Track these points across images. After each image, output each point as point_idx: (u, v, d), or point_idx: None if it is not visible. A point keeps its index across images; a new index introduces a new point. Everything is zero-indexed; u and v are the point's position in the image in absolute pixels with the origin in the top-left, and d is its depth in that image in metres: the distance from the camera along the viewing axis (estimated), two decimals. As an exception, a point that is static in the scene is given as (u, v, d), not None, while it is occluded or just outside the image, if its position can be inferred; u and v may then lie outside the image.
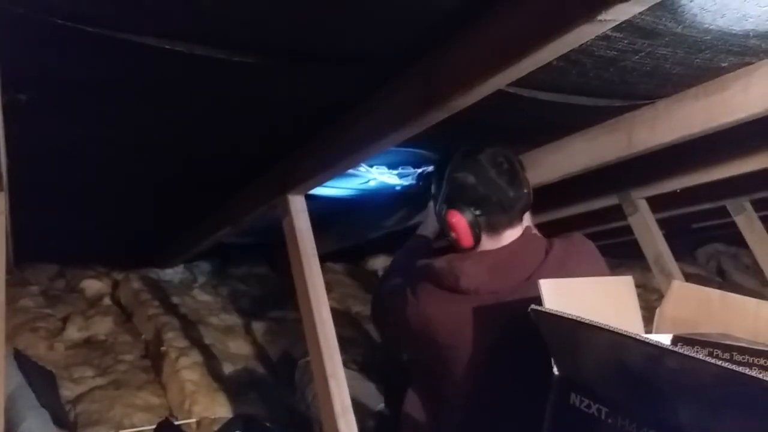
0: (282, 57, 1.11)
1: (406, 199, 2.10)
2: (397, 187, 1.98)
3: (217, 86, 1.24)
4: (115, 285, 3.01)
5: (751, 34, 1.09)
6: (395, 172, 1.88)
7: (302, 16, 0.98)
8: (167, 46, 1.00)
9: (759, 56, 1.21)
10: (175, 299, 2.90)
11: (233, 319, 2.89)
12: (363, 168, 1.78)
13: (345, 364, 1.63)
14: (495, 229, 1.34)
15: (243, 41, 1.05)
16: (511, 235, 1.35)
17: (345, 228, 2.65)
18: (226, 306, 3.01)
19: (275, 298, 3.04)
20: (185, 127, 1.48)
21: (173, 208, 2.27)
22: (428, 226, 1.61)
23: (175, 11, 0.94)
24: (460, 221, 1.32)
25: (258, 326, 2.80)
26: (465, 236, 1.33)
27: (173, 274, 3.16)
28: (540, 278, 1.22)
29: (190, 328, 2.67)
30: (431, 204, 1.59)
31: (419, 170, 1.89)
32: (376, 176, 1.85)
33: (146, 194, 2.06)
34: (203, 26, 1.00)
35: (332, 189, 2.01)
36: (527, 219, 1.41)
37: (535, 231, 1.42)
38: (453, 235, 1.34)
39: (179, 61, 1.05)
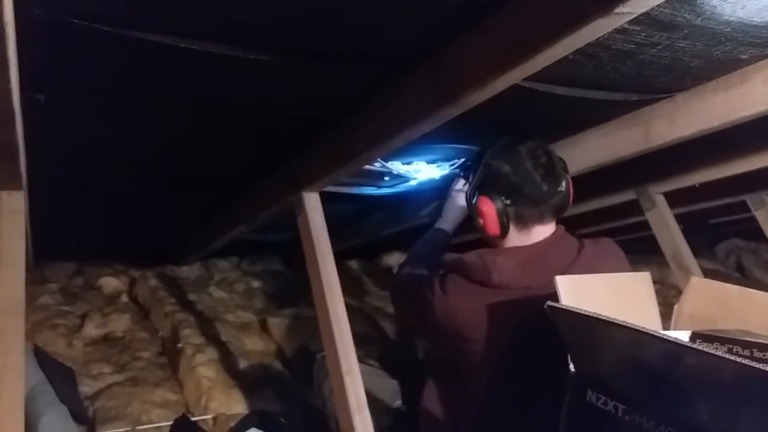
0: (296, 55, 1.11)
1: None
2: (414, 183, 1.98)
3: (231, 84, 1.24)
4: (132, 282, 3.04)
5: (771, 25, 1.07)
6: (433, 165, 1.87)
7: (316, 14, 0.98)
8: (183, 45, 1.01)
9: (780, 48, 1.19)
10: (191, 296, 2.92)
11: (249, 316, 2.90)
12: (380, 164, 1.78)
13: (362, 359, 1.64)
14: (524, 222, 1.33)
15: (257, 39, 1.06)
16: (542, 232, 1.34)
17: (364, 224, 2.66)
18: (242, 303, 3.02)
19: (290, 294, 3.05)
20: (201, 126, 1.48)
21: (190, 206, 2.28)
22: (448, 219, 1.60)
23: (189, 9, 0.94)
24: (490, 208, 1.32)
25: (274, 323, 2.81)
26: (492, 224, 1.33)
27: (189, 271, 3.18)
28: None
29: (206, 324, 2.68)
30: (451, 197, 1.59)
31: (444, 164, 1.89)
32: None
33: (163, 193, 2.07)
34: (218, 24, 1.00)
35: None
36: None
37: None
38: (480, 221, 1.34)
39: (194, 60, 1.06)
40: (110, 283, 3.01)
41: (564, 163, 1.39)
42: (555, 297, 0.99)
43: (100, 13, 0.93)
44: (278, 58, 1.10)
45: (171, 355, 2.54)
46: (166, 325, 2.67)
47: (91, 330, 2.65)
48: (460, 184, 1.61)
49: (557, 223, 1.39)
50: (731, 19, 1.03)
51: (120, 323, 2.74)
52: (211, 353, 2.45)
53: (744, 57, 1.23)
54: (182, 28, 1.00)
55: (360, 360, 1.64)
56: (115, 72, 1.16)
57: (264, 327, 2.82)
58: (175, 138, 1.56)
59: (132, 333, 2.71)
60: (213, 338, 2.59)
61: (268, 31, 1.03)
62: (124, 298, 2.96)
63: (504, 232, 1.33)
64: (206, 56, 1.04)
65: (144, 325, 2.78)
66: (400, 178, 1.91)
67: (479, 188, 1.35)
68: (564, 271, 1.24)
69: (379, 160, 1.70)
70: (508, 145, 1.34)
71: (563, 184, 1.34)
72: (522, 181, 1.30)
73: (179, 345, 2.48)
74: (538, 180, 1.30)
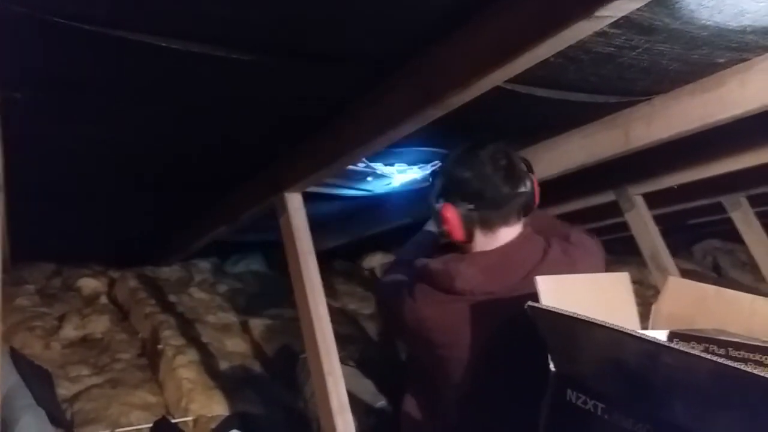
0: (279, 55, 1.10)
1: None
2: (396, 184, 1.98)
3: (214, 84, 1.23)
4: (112, 283, 3.01)
5: (748, 29, 1.09)
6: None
7: (300, 15, 0.98)
8: (163, 44, 1.00)
9: (756, 52, 1.22)
10: (172, 297, 2.89)
11: (230, 317, 2.88)
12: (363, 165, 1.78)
13: (343, 361, 1.64)
14: (489, 225, 1.34)
15: (240, 39, 1.05)
16: (508, 234, 1.34)
17: (347, 225, 2.66)
18: (222, 304, 3.00)
19: (272, 296, 3.04)
20: (182, 126, 1.47)
21: (170, 206, 2.26)
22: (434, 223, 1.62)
23: (171, 9, 0.93)
24: (454, 214, 1.33)
25: (255, 324, 2.80)
26: (457, 230, 1.34)
27: (170, 272, 3.15)
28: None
29: (187, 326, 2.66)
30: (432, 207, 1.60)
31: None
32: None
33: (142, 192, 2.05)
34: (200, 24, 0.99)
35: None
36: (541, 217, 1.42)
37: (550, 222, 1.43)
38: (445, 228, 1.35)
39: (175, 59, 1.05)
40: (89, 284, 2.97)
41: (528, 163, 1.40)
42: (524, 300, 1.00)
43: (81, 12, 0.92)
44: (262, 59, 1.10)
45: (151, 357, 2.51)
46: (146, 326, 2.64)
47: (70, 332, 2.61)
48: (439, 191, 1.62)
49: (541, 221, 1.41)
50: (708, 23, 1.05)
51: (99, 324, 2.70)
52: (192, 355, 2.43)
53: (721, 61, 1.25)
54: (164, 28, 0.99)
55: (342, 361, 1.64)
56: (95, 71, 1.14)
57: (245, 328, 2.80)
58: (156, 138, 1.55)
59: (111, 334, 2.67)
60: (194, 340, 2.56)
61: (251, 31, 1.03)
62: (104, 299, 2.92)
63: (470, 237, 1.34)
64: (189, 56, 1.04)
65: (123, 327, 2.75)
66: (383, 178, 1.92)
67: (442, 195, 1.36)
68: (528, 274, 1.25)
69: (363, 160, 1.70)
70: (469, 150, 1.35)
71: (526, 184, 1.34)
72: (483, 185, 1.31)
73: (159, 346, 2.46)
74: (499, 183, 1.31)
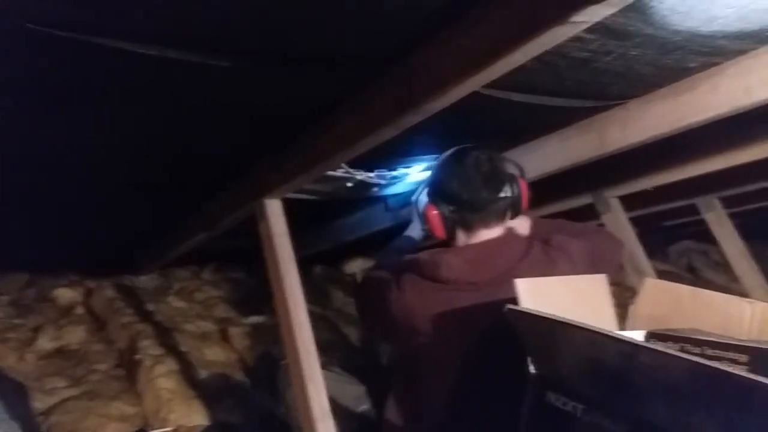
0: (259, 60, 1.10)
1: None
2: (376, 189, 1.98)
3: (192, 90, 1.22)
4: (88, 293, 2.95)
5: (718, 35, 1.12)
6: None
7: (280, 20, 0.97)
8: (142, 51, 0.99)
9: (726, 57, 1.24)
10: (150, 306, 2.86)
11: (209, 326, 2.85)
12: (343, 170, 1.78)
13: (324, 366, 1.63)
14: (468, 226, 1.40)
15: (220, 44, 1.04)
16: (489, 235, 1.39)
17: (327, 230, 2.65)
18: (202, 312, 2.97)
19: (252, 303, 3.01)
20: (159, 132, 1.46)
21: (148, 213, 2.23)
22: (416, 227, 1.64)
23: (149, 15, 0.93)
24: (435, 215, 1.40)
25: (235, 332, 2.77)
26: (438, 229, 1.41)
27: (148, 280, 3.11)
28: (517, 275, 1.26)
29: (165, 335, 2.63)
30: (417, 205, 1.62)
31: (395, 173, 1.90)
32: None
33: (120, 200, 2.03)
34: (179, 30, 0.99)
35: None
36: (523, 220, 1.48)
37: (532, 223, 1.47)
38: (428, 226, 1.43)
39: (154, 65, 1.04)
40: (65, 294, 2.91)
41: (519, 167, 1.45)
42: (505, 296, 1.01)
43: (58, 19, 0.91)
44: (241, 64, 1.09)
45: (129, 367, 2.47)
46: (124, 336, 2.60)
47: (45, 343, 2.56)
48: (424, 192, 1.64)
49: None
50: (680, 28, 1.07)
51: (75, 335, 2.65)
52: (171, 364, 2.40)
53: (692, 65, 1.28)
54: (142, 34, 0.98)
55: (323, 367, 1.63)
56: (71, 78, 1.13)
57: (225, 336, 2.77)
58: (134, 145, 1.53)
59: (88, 345, 2.63)
60: (172, 349, 2.53)
61: (232, 36, 1.02)
62: (80, 309, 2.87)
63: (451, 235, 1.42)
64: (166, 62, 1.03)
65: (100, 337, 2.70)
66: (363, 184, 1.91)
67: (427, 196, 1.44)
68: (508, 270, 1.30)
69: (343, 165, 1.70)
70: (455, 153, 1.41)
71: (509, 189, 1.39)
72: (462, 189, 1.37)
73: (137, 356, 2.43)
74: (478, 187, 1.36)
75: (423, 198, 1.45)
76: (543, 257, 1.34)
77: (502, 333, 1.10)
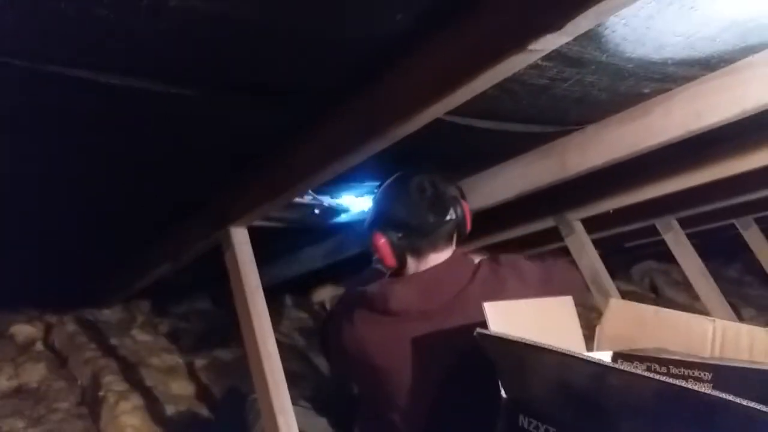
0: (222, 88, 1.10)
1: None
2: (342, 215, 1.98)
3: (154, 118, 1.21)
4: (48, 329, 2.86)
5: (669, 61, 1.16)
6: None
7: (243, 48, 0.98)
8: (102, 80, 0.98)
9: (677, 82, 1.29)
10: (113, 341, 2.78)
11: (175, 359, 2.79)
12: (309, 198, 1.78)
13: (294, 399, 1.60)
14: (418, 252, 1.39)
15: (182, 73, 1.04)
16: (438, 258, 1.39)
17: (295, 258, 2.63)
18: (167, 345, 2.90)
19: (219, 334, 2.96)
20: (120, 160, 1.44)
21: (110, 244, 2.19)
22: None
23: (110, 44, 0.92)
24: (384, 243, 1.38)
25: (201, 365, 2.71)
26: (388, 257, 1.39)
27: (111, 314, 3.03)
28: (466, 297, 1.28)
29: (129, 370, 2.56)
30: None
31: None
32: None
33: (80, 231, 1.98)
34: (140, 59, 0.98)
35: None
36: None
37: (476, 256, 1.45)
38: (377, 255, 1.41)
39: (117, 95, 1.03)
40: (23, 330, 2.82)
41: (459, 189, 1.45)
42: (458, 322, 1.02)
43: (13, 47, 0.90)
44: (204, 93, 1.09)
45: (91, 405, 2.40)
46: (86, 372, 2.52)
47: (2, 382, 2.47)
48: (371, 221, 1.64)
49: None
50: (633, 56, 1.11)
51: (34, 373, 2.56)
52: (136, 400, 2.33)
53: (646, 91, 1.32)
54: (102, 63, 0.97)
55: (292, 400, 1.60)
56: (27, 106, 1.11)
57: (191, 369, 2.71)
58: (94, 174, 1.50)
59: (48, 383, 2.54)
60: (137, 384, 2.46)
61: (195, 65, 1.02)
62: (39, 345, 2.77)
63: (401, 263, 1.40)
64: (128, 91, 1.02)
65: (61, 374, 2.61)
66: (330, 210, 1.91)
67: (374, 225, 1.42)
68: (458, 293, 1.31)
69: (310, 192, 1.70)
70: (396, 180, 1.42)
71: (454, 212, 1.39)
72: (409, 214, 1.37)
73: (101, 393, 2.35)
74: (424, 212, 1.36)
75: (370, 227, 1.43)
76: (491, 276, 1.35)
77: (464, 359, 1.11)
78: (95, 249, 2.22)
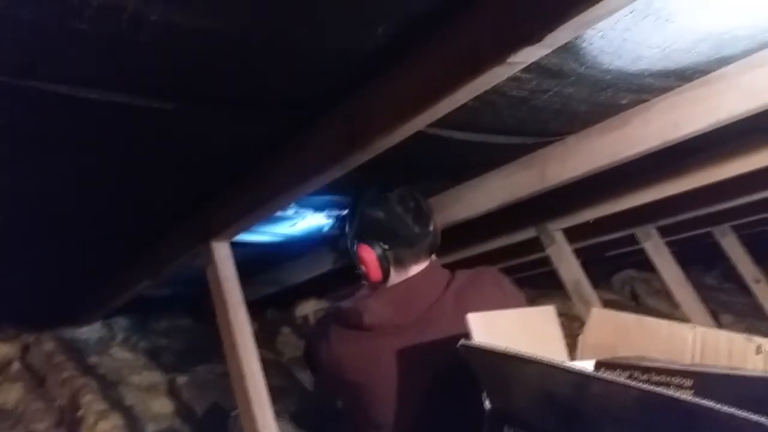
0: (204, 102, 1.10)
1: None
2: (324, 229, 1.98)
3: (135, 132, 1.20)
4: (25, 348, 2.81)
5: (645, 73, 1.18)
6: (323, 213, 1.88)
7: (224, 62, 0.98)
8: (81, 95, 0.97)
9: (654, 93, 1.31)
10: (92, 359, 2.74)
11: (156, 377, 2.75)
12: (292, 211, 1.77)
13: (278, 414, 1.59)
14: (402, 263, 1.38)
15: (163, 87, 1.04)
16: (417, 270, 1.39)
17: (278, 272, 2.61)
18: (147, 363, 2.86)
19: (200, 351, 2.92)
20: (100, 175, 1.42)
21: (88, 260, 2.16)
22: None
23: (89, 59, 0.91)
24: (370, 255, 1.37)
25: (182, 382, 2.68)
26: (374, 270, 1.38)
27: (90, 332, 2.98)
28: (440, 308, 1.28)
29: (109, 389, 2.52)
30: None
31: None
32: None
33: (58, 247, 1.95)
34: (120, 73, 0.97)
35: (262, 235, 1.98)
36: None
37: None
38: (363, 268, 1.39)
39: (98, 109, 1.02)
40: (0, 349, 2.77)
41: (429, 203, 1.46)
42: (434, 336, 1.01)
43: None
44: (185, 106, 1.09)
45: (70, 426, 2.35)
46: (65, 392, 2.48)
47: (-23, 404, 2.41)
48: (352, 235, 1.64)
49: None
50: (610, 67, 1.12)
51: (11, 394, 2.51)
52: (116, 419, 2.30)
53: (624, 102, 1.34)
54: (81, 78, 0.96)
55: (276, 415, 1.59)
56: (2, 122, 1.09)
57: (172, 387, 2.68)
58: (75, 189, 1.49)
59: (25, 404, 2.48)
60: (117, 403, 2.42)
61: (175, 78, 1.02)
62: (16, 365, 2.72)
63: (386, 276, 1.39)
64: (108, 105, 1.01)
65: (39, 394, 2.56)
66: (313, 224, 1.91)
67: (358, 237, 1.40)
68: (432, 304, 1.31)
69: (292, 205, 1.69)
70: (378, 193, 1.41)
71: (432, 224, 1.41)
72: (396, 225, 1.37)
73: (80, 413, 2.31)
74: (410, 223, 1.37)
75: (354, 240, 1.41)
76: (466, 285, 1.35)
77: (443, 373, 1.11)
78: (73, 266, 2.18)
